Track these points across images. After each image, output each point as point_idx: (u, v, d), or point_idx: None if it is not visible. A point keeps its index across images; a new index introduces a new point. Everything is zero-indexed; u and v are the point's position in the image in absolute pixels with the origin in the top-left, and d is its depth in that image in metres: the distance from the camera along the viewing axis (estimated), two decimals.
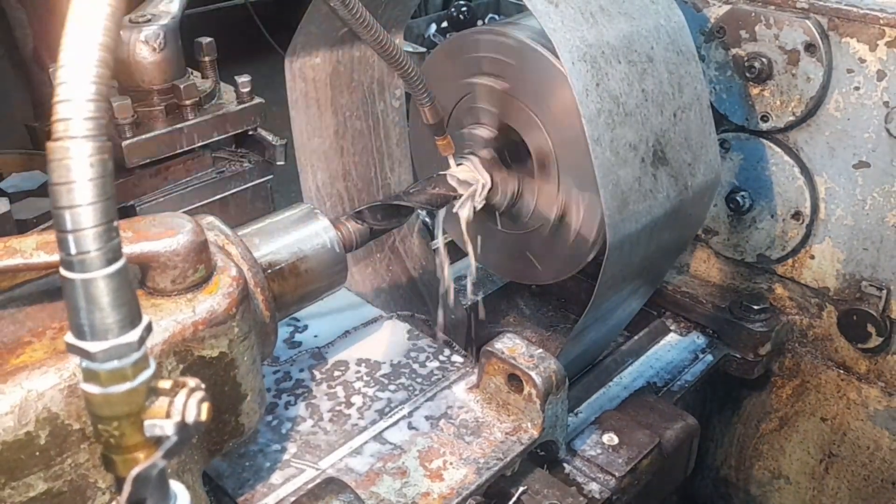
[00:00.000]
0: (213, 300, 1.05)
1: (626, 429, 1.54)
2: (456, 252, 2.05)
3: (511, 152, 1.63)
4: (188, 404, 0.82)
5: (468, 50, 1.63)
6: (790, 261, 1.91)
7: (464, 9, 4.45)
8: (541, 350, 1.35)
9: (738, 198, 1.89)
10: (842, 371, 1.91)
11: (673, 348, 1.93)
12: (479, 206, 1.62)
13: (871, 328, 1.78)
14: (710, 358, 1.90)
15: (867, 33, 1.60)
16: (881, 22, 1.58)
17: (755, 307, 1.91)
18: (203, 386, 0.85)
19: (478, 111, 1.65)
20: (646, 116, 1.38)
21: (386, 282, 1.96)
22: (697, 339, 1.96)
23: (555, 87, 1.49)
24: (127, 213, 1.64)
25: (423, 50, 3.76)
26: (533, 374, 1.31)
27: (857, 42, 1.62)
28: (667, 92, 1.42)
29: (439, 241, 1.74)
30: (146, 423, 0.80)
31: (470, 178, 1.58)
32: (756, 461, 2.17)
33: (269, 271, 1.27)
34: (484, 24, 4.25)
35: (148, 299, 1.03)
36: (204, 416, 0.83)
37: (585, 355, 1.77)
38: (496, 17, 4.58)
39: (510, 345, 1.37)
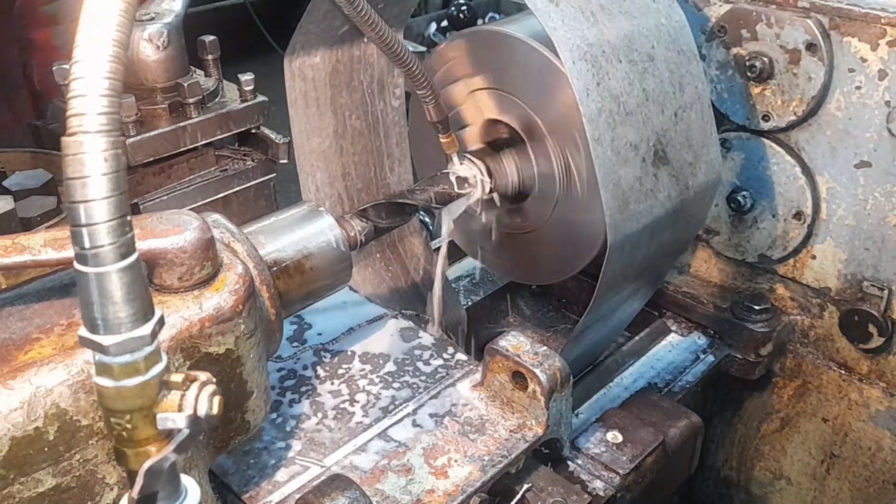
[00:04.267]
0: (219, 297, 1.05)
1: (631, 427, 1.54)
2: (456, 252, 2.05)
3: (499, 138, 1.64)
4: (200, 398, 0.82)
5: (436, 67, 1.65)
6: (791, 261, 1.90)
7: (464, 8, 4.44)
8: (545, 348, 1.35)
9: (739, 198, 1.88)
10: (843, 371, 1.91)
11: (674, 349, 1.92)
12: (484, 198, 1.63)
13: (872, 328, 1.78)
14: (711, 358, 1.90)
15: (868, 33, 1.60)
16: (882, 21, 1.57)
17: (756, 307, 1.91)
18: (214, 380, 0.85)
19: (457, 116, 1.65)
20: (647, 116, 1.37)
21: (386, 282, 1.95)
22: (699, 339, 1.95)
23: (512, 58, 1.52)
24: (130, 210, 1.64)
25: (423, 49, 3.75)
26: (537, 371, 1.31)
27: (858, 41, 1.61)
28: (668, 91, 1.42)
29: (442, 241, 1.73)
30: (158, 416, 0.81)
31: (472, 175, 1.58)
32: (757, 462, 2.17)
33: (275, 269, 1.27)
34: (484, 22, 4.25)
35: (155, 296, 1.03)
36: (216, 410, 0.83)
37: (586, 356, 1.76)
38: (496, 15, 4.58)
39: (515, 342, 1.37)
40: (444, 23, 4.48)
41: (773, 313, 1.92)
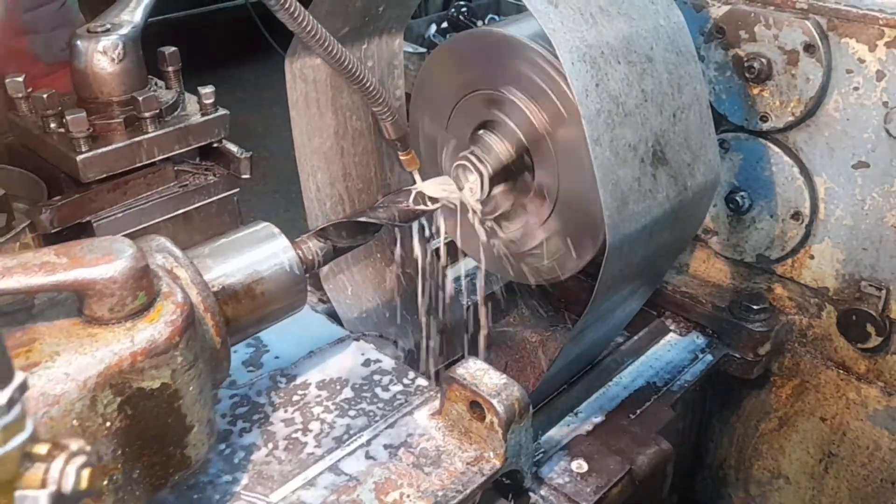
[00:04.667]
0: (153, 329, 1.01)
1: (597, 455, 1.49)
2: (455, 252, 2.06)
3: (517, 173, 1.61)
4: (66, 471, 0.76)
5: (511, 54, 1.53)
6: (789, 261, 1.91)
7: (464, 9, 4.45)
8: (504, 376, 1.30)
9: (737, 198, 1.89)
10: (841, 371, 1.92)
11: (673, 348, 1.93)
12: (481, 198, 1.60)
13: (870, 328, 1.78)
14: (709, 358, 1.90)
15: (866, 34, 1.60)
16: (880, 22, 1.58)
17: (755, 307, 1.91)
18: (87, 449, 0.79)
19: (501, 123, 1.59)
20: (645, 117, 1.38)
21: (386, 282, 1.96)
22: (697, 338, 1.96)
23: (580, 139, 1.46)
24: (84, 229, 1.58)
25: (424, 50, 3.75)
26: (494, 401, 1.25)
27: (856, 42, 1.62)
28: (666, 92, 1.42)
29: (438, 242, 1.74)
30: (16, 494, 0.74)
31: (438, 192, 1.54)
32: (756, 461, 2.17)
33: (222, 294, 1.22)
34: (484, 24, 4.25)
35: (84, 328, 0.99)
36: (84, 484, 0.77)
37: (585, 355, 1.77)
38: (496, 17, 4.58)
39: (473, 370, 1.31)
40: (444, 24, 4.48)
41: (771, 313, 1.93)
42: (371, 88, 1.40)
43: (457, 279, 2.15)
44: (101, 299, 0.98)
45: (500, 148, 1.58)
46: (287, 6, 1.24)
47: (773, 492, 2.17)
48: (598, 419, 1.68)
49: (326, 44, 1.31)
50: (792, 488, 2.13)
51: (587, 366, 1.82)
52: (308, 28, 1.29)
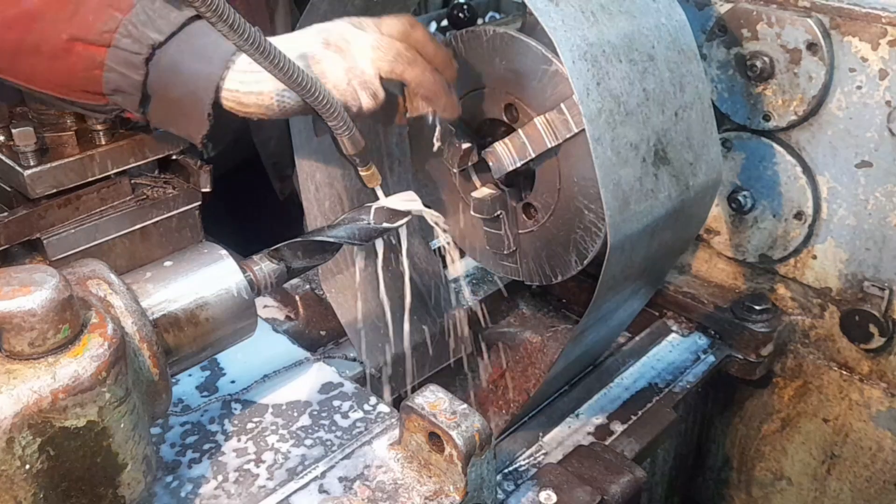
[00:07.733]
0: (77, 364, 0.94)
1: (566, 485, 1.44)
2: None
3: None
4: None
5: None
6: (792, 261, 1.90)
7: (464, 7, 4.44)
8: (465, 406, 1.23)
9: (739, 197, 1.88)
10: (844, 372, 1.91)
11: (674, 349, 1.92)
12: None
13: (873, 329, 1.77)
14: (711, 359, 1.89)
15: (869, 32, 1.59)
16: (883, 21, 1.57)
17: (757, 307, 1.90)
18: None
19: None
20: (647, 116, 1.37)
21: (386, 282, 1.94)
22: (699, 339, 1.95)
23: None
24: (33, 246, 1.53)
25: None
26: (453, 433, 1.18)
27: (859, 41, 1.61)
28: (668, 91, 1.41)
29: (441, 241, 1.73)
30: None
31: (403, 206, 1.48)
32: (758, 462, 2.16)
33: (163, 321, 1.17)
34: (484, 22, 4.25)
35: (4, 364, 0.94)
36: None
37: (586, 356, 1.76)
38: (496, 15, 4.57)
39: (432, 399, 1.23)
40: (444, 22, 4.47)
41: (773, 313, 1.91)
42: (324, 101, 1.30)
43: (456, 279, 2.15)
44: (19, 333, 0.92)
45: (507, 155, 1.54)
46: (224, 16, 1.14)
47: (775, 493, 2.16)
48: (599, 420, 1.68)
49: (271, 55, 1.21)
50: (794, 490, 2.12)
51: (588, 367, 1.81)
52: (252, 41, 1.19)
